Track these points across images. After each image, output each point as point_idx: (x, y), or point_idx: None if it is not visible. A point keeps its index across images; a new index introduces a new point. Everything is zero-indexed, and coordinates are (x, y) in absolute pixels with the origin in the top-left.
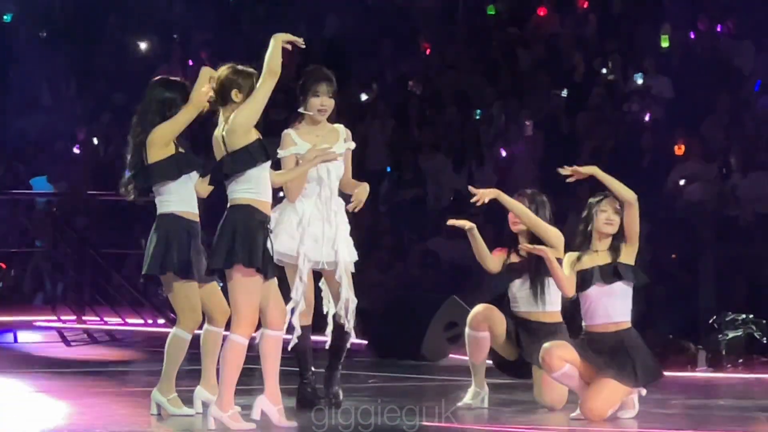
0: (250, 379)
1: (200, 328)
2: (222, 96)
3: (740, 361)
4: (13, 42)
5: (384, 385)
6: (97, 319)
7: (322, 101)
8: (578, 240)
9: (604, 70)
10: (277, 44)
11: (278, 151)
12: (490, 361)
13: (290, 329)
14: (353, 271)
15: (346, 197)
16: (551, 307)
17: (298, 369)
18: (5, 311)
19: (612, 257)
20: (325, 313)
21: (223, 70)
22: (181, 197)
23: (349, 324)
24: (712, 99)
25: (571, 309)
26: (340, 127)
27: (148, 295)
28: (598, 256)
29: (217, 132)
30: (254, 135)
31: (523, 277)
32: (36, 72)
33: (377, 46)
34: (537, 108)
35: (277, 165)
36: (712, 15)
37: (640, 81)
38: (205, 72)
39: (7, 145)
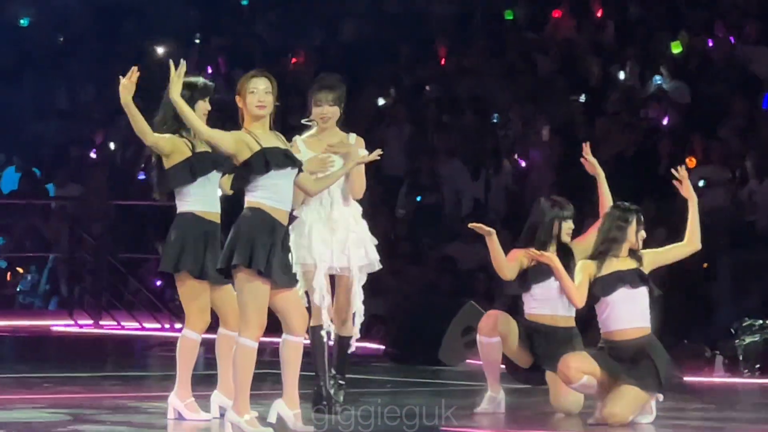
0: (270, 384)
1: (215, 332)
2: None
3: (757, 366)
4: (30, 46)
5: (400, 390)
6: (114, 323)
7: (323, 110)
8: (599, 249)
9: (621, 76)
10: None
11: None
12: (504, 366)
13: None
14: (375, 271)
15: (364, 203)
16: (568, 312)
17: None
18: (21, 316)
19: (635, 264)
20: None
21: None
22: (200, 197)
23: (351, 330)
24: (729, 104)
25: (586, 317)
26: (351, 136)
27: (165, 300)
28: (618, 263)
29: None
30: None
31: (551, 278)
32: (53, 76)
33: (395, 52)
34: (554, 113)
35: None
36: (729, 21)
37: (661, 84)
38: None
39: (23, 149)
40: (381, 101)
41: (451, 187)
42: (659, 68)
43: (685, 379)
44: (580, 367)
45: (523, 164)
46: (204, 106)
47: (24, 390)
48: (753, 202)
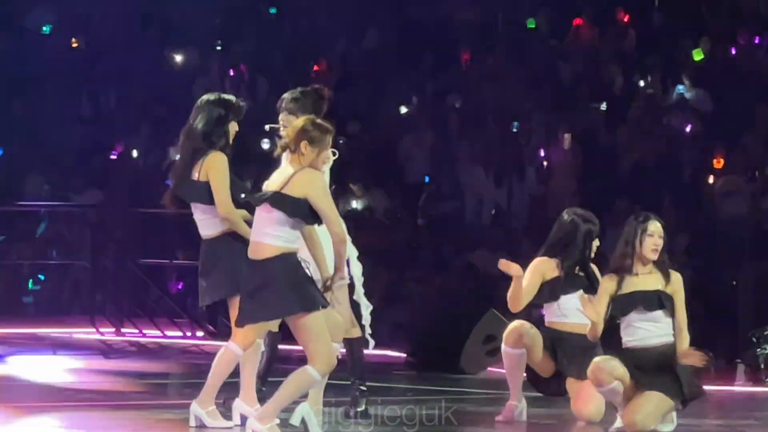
0: None
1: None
2: (295, 143)
3: None
4: (52, 53)
5: (421, 398)
6: (136, 331)
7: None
8: (618, 263)
9: (642, 84)
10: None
11: None
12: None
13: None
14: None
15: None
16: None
17: None
18: (43, 323)
19: (661, 283)
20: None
21: (302, 120)
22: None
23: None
24: (751, 112)
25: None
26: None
27: (186, 308)
28: (639, 280)
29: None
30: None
31: (581, 290)
32: (75, 84)
33: (417, 60)
34: (576, 121)
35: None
36: (751, 29)
37: (683, 92)
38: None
39: (46, 156)
40: (403, 109)
41: (473, 195)
42: (681, 76)
43: (706, 388)
44: (613, 371)
45: (545, 172)
46: (234, 127)
47: (42, 399)
48: None
